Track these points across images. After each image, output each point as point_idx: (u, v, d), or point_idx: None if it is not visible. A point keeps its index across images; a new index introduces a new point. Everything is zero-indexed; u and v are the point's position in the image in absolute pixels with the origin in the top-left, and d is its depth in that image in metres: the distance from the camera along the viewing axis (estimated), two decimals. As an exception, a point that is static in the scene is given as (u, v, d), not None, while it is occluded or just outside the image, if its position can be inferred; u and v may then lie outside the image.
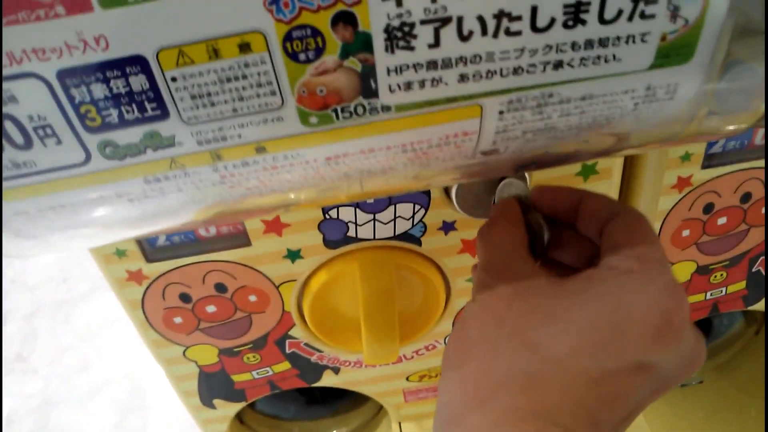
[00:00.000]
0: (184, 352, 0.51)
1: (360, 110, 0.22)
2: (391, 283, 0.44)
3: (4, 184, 0.23)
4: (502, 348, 0.27)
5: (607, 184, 0.44)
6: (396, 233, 0.44)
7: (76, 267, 1.21)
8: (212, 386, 0.54)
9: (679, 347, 0.26)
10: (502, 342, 0.27)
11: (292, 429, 0.67)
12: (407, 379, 0.56)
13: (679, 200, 0.47)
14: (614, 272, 0.27)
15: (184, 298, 0.46)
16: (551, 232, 0.33)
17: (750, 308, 0.57)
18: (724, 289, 0.54)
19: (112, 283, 0.46)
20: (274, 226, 0.42)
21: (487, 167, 0.31)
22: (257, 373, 0.53)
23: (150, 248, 0.44)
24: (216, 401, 0.56)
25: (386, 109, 0.22)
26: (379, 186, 0.29)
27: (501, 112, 0.23)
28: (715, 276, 0.52)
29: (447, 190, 0.42)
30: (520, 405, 0.25)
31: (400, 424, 0.61)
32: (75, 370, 1.04)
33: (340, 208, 0.42)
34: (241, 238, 0.43)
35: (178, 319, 0.48)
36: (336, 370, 0.54)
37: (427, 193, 0.42)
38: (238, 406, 0.56)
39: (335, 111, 0.22)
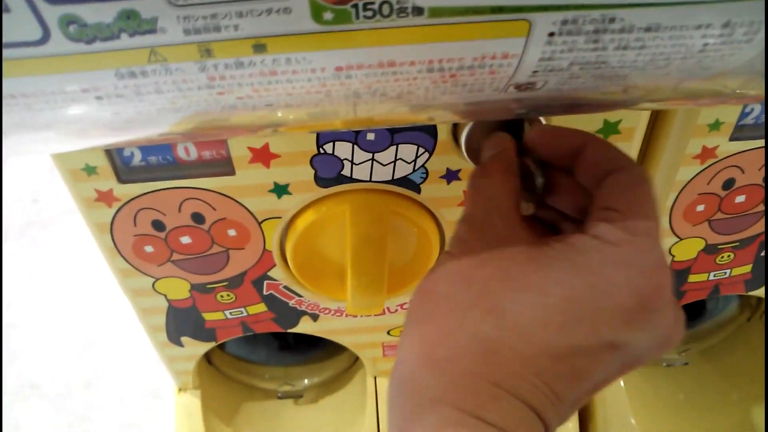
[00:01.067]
0: (153, 284, 0.47)
1: (386, 10, 0.18)
2: (385, 231, 0.41)
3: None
4: (469, 311, 0.25)
5: (626, 146, 0.41)
6: (394, 177, 0.40)
7: (47, 188, 1.16)
8: (181, 323, 0.51)
9: (655, 328, 0.25)
10: (469, 304, 0.25)
11: (262, 374, 0.64)
12: (388, 332, 0.53)
13: (700, 172, 0.43)
14: (599, 242, 0.25)
15: (158, 225, 0.42)
16: (547, 177, 0.30)
17: (749, 293, 0.54)
18: (728, 271, 0.51)
19: (79, 203, 0.42)
20: (262, 156, 0.38)
21: (511, 108, 0.27)
22: (230, 313, 0.50)
23: (123, 167, 0.39)
24: (184, 339, 0.52)
25: (418, 11, 0.18)
26: (385, 114, 0.26)
27: (551, 34, 0.20)
28: (722, 257, 0.50)
29: (456, 134, 0.38)
30: (479, 371, 0.24)
31: (375, 378, 0.59)
32: (38, 294, 1.00)
33: (336, 143, 0.38)
34: (225, 166, 0.39)
35: (149, 248, 0.44)
36: (314, 317, 0.51)
37: (434, 135, 0.38)
38: (207, 346, 0.53)
39: (356, 7, 0.18)
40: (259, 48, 0.19)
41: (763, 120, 0.42)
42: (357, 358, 0.63)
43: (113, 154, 0.39)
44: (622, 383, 0.60)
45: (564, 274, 0.25)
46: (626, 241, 0.25)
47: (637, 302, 0.24)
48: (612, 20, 0.19)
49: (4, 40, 0.18)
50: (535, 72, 0.21)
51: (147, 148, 0.39)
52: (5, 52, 0.18)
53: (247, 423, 0.62)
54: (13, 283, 1.01)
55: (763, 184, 0.45)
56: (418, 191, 0.41)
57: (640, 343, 0.25)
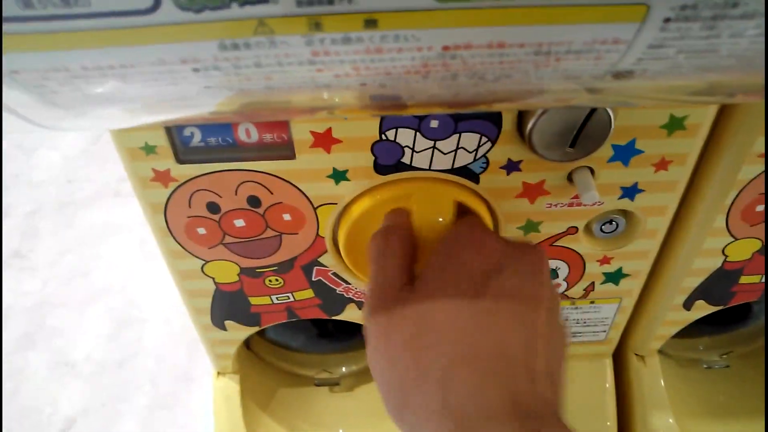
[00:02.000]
0: (202, 267, 0.47)
1: (505, -13, 0.18)
2: (447, 220, 0.40)
3: (45, 25, 0.19)
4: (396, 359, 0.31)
5: (690, 142, 0.40)
6: (454, 166, 0.40)
7: (81, 169, 1.17)
8: (227, 307, 0.51)
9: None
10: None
11: (300, 361, 0.64)
12: (432, 324, 0.53)
13: (762, 172, 0.42)
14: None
15: (212, 207, 0.42)
16: None
17: (801, 297, 0.53)
18: (783, 274, 0.50)
19: (135, 183, 0.42)
20: (324, 141, 0.38)
21: (595, 97, 0.27)
22: (277, 298, 0.50)
23: (182, 147, 0.39)
24: (228, 323, 0.53)
25: (537, -10, 0.18)
26: (471, 95, 0.25)
27: (667, 20, 0.19)
28: (778, 258, 0.49)
29: (520, 125, 0.37)
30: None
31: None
32: (74, 274, 1.01)
33: (399, 130, 0.37)
34: (285, 150, 0.39)
35: (201, 230, 0.44)
36: (360, 305, 0.51)
37: (498, 124, 0.37)
38: (250, 331, 0.53)
39: (474, -16, 0.17)
40: (371, 23, 0.18)
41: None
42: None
43: (173, 133, 0.39)
44: (662, 383, 0.59)
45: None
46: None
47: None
48: (735, 5, 0.19)
49: (118, 8, 0.18)
50: (640, 60, 0.21)
51: (207, 129, 0.38)
52: (114, 20, 0.18)
53: (283, 409, 0.62)
54: (50, 262, 1.02)
55: (829, 186, 0.44)
56: (477, 181, 0.41)
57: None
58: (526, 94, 0.26)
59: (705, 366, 0.64)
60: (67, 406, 0.85)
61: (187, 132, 0.39)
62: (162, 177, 0.41)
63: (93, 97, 0.23)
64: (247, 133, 0.39)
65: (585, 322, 0.53)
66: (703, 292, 0.51)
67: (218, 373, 0.60)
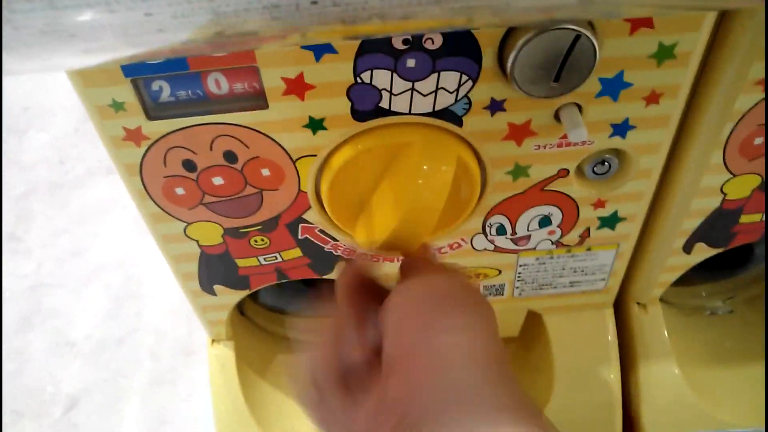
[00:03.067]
0: (184, 230, 0.46)
1: None
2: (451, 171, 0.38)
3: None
4: None
5: (681, 72, 0.38)
6: (435, 109, 0.38)
7: (72, 149, 1.16)
8: (214, 270, 0.50)
9: None
10: None
11: (296, 325, 0.63)
12: (425, 279, 0.52)
13: (761, 100, 0.40)
14: None
15: (188, 165, 0.41)
16: None
17: (805, 235, 0.52)
18: (785, 211, 0.49)
19: (107, 143, 0.40)
20: (297, 87, 0.36)
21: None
22: (264, 258, 0.48)
23: (152, 103, 0.38)
24: (217, 287, 0.51)
25: None
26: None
27: None
28: (779, 194, 0.47)
29: (501, 60, 0.36)
30: None
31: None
32: (69, 254, 1.00)
33: (374, 72, 0.36)
34: (257, 99, 0.37)
35: (180, 190, 0.43)
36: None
37: (478, 61, 0.36)
38: (240, 294, 0.52)
39: None
40: None
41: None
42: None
43: (141, 89, 0.37)
44: (665, 332, 0.58)
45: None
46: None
47: None
48: None
49: None
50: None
51: (176, 82, 0.37)
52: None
53: (281, 375, 0.62)
54: (45, 243, 1.02)
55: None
56: (460, 124, 0.39)
57: None
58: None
59: (708, 313, 0.63)
60: (69, 385, 0.85)
61: (155, 86, 0.37)
62: (133, 135, 0.39)
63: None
64: (217, 84, 0.37)
65: (583, 271, 0.52)
66: (702, 234, 0.50)
67: (213, 341, 0.59)
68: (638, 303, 0.58)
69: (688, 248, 0.51)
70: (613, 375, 0.57)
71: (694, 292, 0.63)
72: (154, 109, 0.38)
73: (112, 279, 0.96)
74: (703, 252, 0.52)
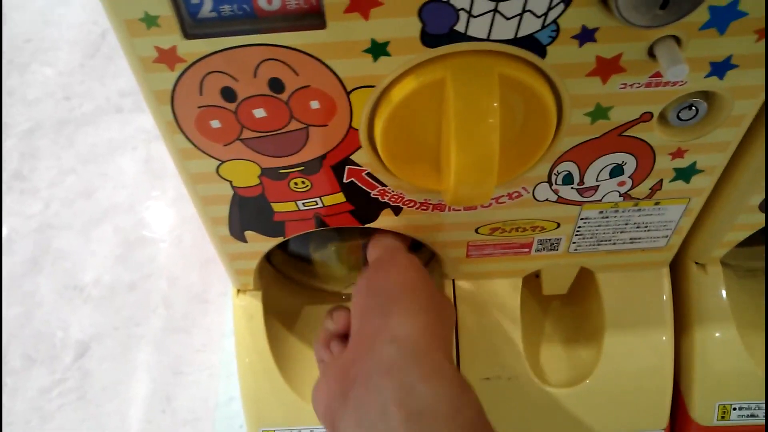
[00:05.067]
0: (217, 168, 0.41)
1: None
2: (497, 102, 0.34)
3: None
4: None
5: None
6: (518, 35, 0.33)
7: (78, 85, 1.10)
8: (247, 215, 0.45)
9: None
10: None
11: (325, 275, 0.60)
12: (476, 230, 0.47)
13: None
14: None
15: (228, 94, 0.36)
16: None
17: None
18: None
19: (135, 66, 0.35)
20: (362, 3, 0.31)
21: None
22: (304, 203, 0.44)
23: (190, 19, 0.33)
24: (248, 233, 0.47)
25: None
26: None
27: None
28: None
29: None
30: None
31: (453, 281, 0.54)
32: (77, 194, 0.96)
33: (454, -12, 0.31)
34: (314, 18, 0.32)
35: (216, 123, 0.38)
36: (397, 211, 0.45)
37: (575, -22, 0.31)
38: (273, 242, 0.48)
39: None
40: None
41: None
42: (430, 259, 0.57)
43: (179, 1, 0.32)
44: (725, 295, 0.54)
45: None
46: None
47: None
48: None
49: None
50: None
51: (219, -6, 0.32)
52: None
53: (309, 327, 0.58)
54: (52, 183, 0.97)
55: None
56: (543, 54, 0.34)
57: None
58: None
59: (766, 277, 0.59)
60: (79, 331, 0.82)
61: (195, 0, 0.32)
62: (167, 57, 0.34)
63: None
64: (267, -1, 0.32)
65: (646, 227, 0.48)
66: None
67: (238, 291, 0.55)
68: (697, 263, 0.54)
69: (764, 205, 0.47)
70: (666, 338, 0.54)
71: (753, 253, 0.59)
72: (192, 26, 0.33)
73: (123, 222, 0.91)
74: (780, 210, 0.47)
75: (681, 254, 0.54)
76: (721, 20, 0.33)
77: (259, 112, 0.37)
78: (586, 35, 0.33)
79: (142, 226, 0.91)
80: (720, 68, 0.36)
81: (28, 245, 0.90)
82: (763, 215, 0.48)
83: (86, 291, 0.85)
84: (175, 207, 0.92)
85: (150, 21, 0.32)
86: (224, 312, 0.82)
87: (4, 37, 1.17)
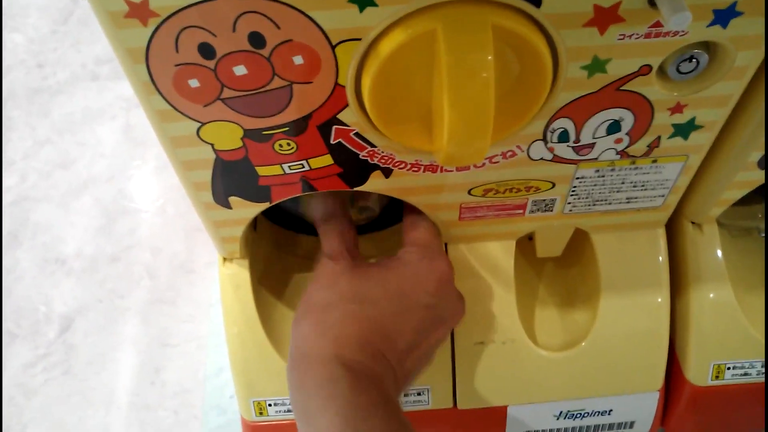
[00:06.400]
0: (197, 131, 0.39)
1: None
2: (491, 54, 0.32)
3: None
4: (334, 304, 0.44)
5: None
6: (513, -20, 0.31)
7: (51, 53, 1.06)
8: (230, 179, 0.43)
9: (450, 297, 0.47)
10: (333, 299, 0.44)
11: (312, 243, 0.58)
12: (469, 192, 0.46)
13: None
14: (407, 257, 0.47)
15: (206, 50, 0.34)
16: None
17: None
18: None
19: (105, 21, 0.33)
20: (346, -53, 0.29)
21: None
22: (290, 166, 0.42)
23: (162, -33, 0.30)
24: (233, 199, 0.45)
25: None
26: None
27: None
28: None
29: None
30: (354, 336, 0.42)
31: (446, 245, 0.53)
32: (55, 166, 0.93)
33: (445, -74, 0.28)
34: (295, -38, 0.30)
35: (194, 82, 0.36)
36: (387, 172, 0.43)
37: None
38: (259, 207, 0.46)
39: None
40: None
41: None
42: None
43: (148, -53, 0.30)
44: (720, 253, 0.53)
45: (393, 272, 0.46)
46: (419, 255, 0.47)
47: (436, 279, 0.46)
48: None
49: None
50: None
51: (192, -61, 0.29)
52: None
53: (299, 295, 0.57)
54: (28, 155, 0.94)
55: None
56: (539, 3, 0.32)
57: (442, 307, 0.46)
58: None
59: (762, 234, 0.58)
60: (62, 305, 0.80)
61: (165, -55, 0.30)
62: (139, 10, 0.32)
63: None
64: (244, -57, 0.29)
65: (643, 186, 0.46)
66: None
67: (224, 260, 0.53)
68: (693, 222, 0.53)
69: (763, 162, 0.46)
70: (662, 299, 0.53)
71: (747, 212, 0.58)
72: (164, -24, 0.31)
73: (103, 193, 0.89)
74: (779, 167, 0.46)
75: (677, 214, 0.52)
76: (727, -37, 0.31)
77: (240, 70, 0.35)
78: (584, -19, 0.31)
79: (123, 196, 0.88)
80: (724, 16, 0.34)
81: (5, 219, 0.88)
82: (761, 172, 0.46)
83: (68, 264, 0.83)
84: (157, 176, 0.90)
85: (118, -30, 0.30)
86: (210, 282, 0.81)
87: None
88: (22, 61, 1.04)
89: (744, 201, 0.51)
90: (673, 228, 0.54)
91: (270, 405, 0.55)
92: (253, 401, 0.55)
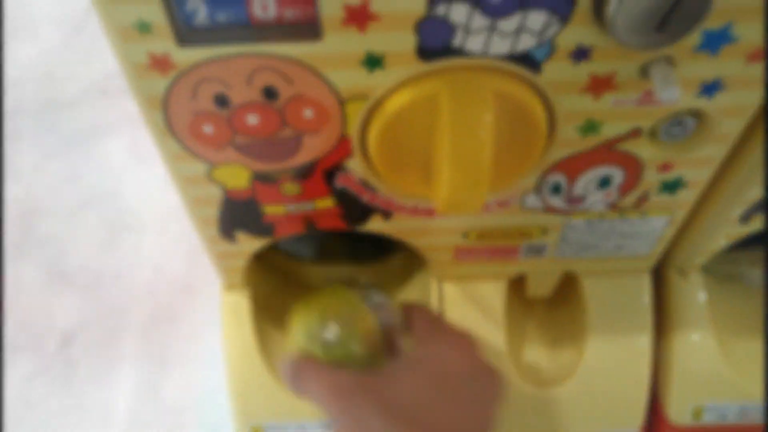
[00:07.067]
0: (209, 171, 0.41)
1: None
2: (491, 115, 0.34)
3: None
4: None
5: None
6: (513, 51, 0.33)
7: (62, 65, 1.08)
8: (237, 216, 0.45)
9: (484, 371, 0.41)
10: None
11: (314, 272, 0.60)
12: (464, 235, 0.48)
13: None
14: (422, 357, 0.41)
15: (221, 100, 0.36)
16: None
17: None
18: None
19: (128, 71, 0.35)
20: (359, 16, 0.31)
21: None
22: (295, 207, 0.44)
23: (185, 27, 0.32)
24: (238, 233, 0.47)
25: None
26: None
27: None
28: None
29: (599, 1, 0.31)
30: None
31: (440, 284, 0.54)
32: (62, 180, 0.94)
33: (453, 4, 0.31)
34: (310, 29, 0.32)
35: (208, 129, 0.38)
36: (387, 215, 0.45)
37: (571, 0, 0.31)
38: (262, 242, 0.48)
39: None
40: None
41: None
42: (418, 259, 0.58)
43: (173, 7, 0.32)
44: (703, 300, 0.55)
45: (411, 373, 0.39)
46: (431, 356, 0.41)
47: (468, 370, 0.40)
48: None
49: None
50: None
51: (215, 2, 0.31)
52: None
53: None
54: (35, 167, 0.96)
55: None
56: (538, 71, 0.34)
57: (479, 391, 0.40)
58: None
59: (746, 282, 0.60)
60: (63, 320, 0.81)
61: (190, 6, 0.32)
62: (160, 63, 0.34)
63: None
64: (263, 7, 0.32)
65: (631, 236, 0.48)
66: (766, 203, 0.46)
67: (227, 288, 0.55)
68: (678, 269, 0.55)
69: (745, 218, 0.48)
70: (645, 342, 0.55)
71: (734, 258, 0.60)
72: (186, 34, 0.33)
73: (107, 209, 0.91)
74: (760, 223, 0.48)
75: (663, 261, 0.55)
76: (713, 44, 0.34)
77: (253, 119, 0.37)
78: (581, 54, 0.34)
79: (126, 213, 0.90)
80: (710, 89, 0.36)
81: (11, 231, 0.89)
82: (744, 227, 0.49)
83: (71, 278, 0.85)
84: (161, 194, 0.92)
85: (143, 28, 0.32)
86: (210, 301, 0.82)
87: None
88: (33, 74, 1.06)
89: (729, 248, 0.53)
90: (659, 274, 0.56)
91: (267, 430, 0.56)
92: (251, 426, 0.56)
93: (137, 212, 0.90)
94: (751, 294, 0.59)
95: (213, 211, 0.45)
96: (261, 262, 0.59)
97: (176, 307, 0.82)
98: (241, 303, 0.54)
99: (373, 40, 0.32)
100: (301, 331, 0.43)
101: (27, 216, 0.90)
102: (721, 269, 0.60)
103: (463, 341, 0.42)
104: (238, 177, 0.41)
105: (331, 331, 0.41)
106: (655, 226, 0.48)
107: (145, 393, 0.76)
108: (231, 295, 0.55)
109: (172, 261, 0.85)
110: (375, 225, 0.46)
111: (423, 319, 0.43)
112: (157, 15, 0.32)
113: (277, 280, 0.60)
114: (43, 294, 0.83)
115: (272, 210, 0.45)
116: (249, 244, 0.49)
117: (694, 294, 0.55)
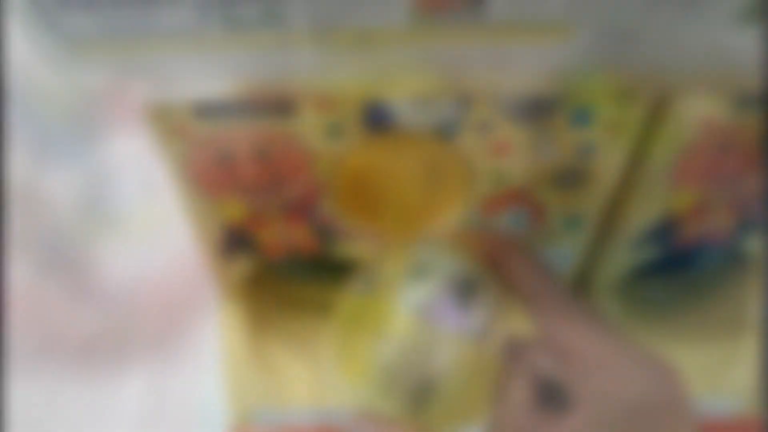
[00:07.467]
0: (208, 205, 0.52)
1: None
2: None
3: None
4: None
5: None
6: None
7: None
8: (233, 239, 0.56)
9: None
10: None
11: (309, 289, 0.66)
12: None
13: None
14: None
15: (225, 157, 0.48)
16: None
17: None
18: None
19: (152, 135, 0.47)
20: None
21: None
22: (284, 233, 0.55)
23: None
24: (233, 254, 0.58)
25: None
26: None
27: None
28: None
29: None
30: None
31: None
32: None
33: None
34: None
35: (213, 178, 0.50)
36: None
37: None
38: (255, 263, 0.59)
39: None
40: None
41: None
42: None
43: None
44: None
45: None
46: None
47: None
48: None
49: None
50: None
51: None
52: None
53: (295, 337, 0.65)
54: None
55: None
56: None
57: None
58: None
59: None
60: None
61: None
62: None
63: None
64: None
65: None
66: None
67: (224, 301, 0.63)
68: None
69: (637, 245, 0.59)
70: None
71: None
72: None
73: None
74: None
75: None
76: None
77: (249, 170, 0.49)
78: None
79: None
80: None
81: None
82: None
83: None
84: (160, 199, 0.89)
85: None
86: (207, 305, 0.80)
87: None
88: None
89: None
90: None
91: (259, 416, 0.62)
92: (243, 411, 0.62)
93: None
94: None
95: (212, 234, 0.56)
96: (257, 279, 0.66)
97: (181, 315, 0.80)
98: (238, 316, 0.62)
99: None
100: (364, 376, 0.27)
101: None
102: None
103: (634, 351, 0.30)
104: (233, 210, 0.53)
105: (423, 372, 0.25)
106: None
107: (148, 398, 0.76)
108: (228, 308, 0.63)
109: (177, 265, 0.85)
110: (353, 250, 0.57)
111: (549, 298, 0.32)
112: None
113: (276, 295, 0.66)
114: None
115: (264, 235, 0.56)
116: (244, 263, 0.60)
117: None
